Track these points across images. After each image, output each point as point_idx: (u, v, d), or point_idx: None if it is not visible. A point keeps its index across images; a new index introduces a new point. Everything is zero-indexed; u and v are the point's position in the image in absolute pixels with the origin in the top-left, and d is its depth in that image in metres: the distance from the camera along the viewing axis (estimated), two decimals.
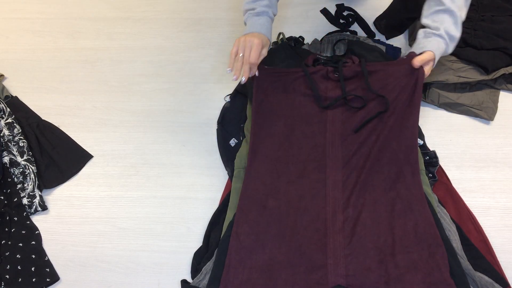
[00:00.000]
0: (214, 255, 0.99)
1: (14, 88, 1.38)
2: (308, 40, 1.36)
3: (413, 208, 0.97)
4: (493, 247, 0.99)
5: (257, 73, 1.08)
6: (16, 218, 1.12)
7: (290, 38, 1.34)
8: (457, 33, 1.04)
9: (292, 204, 1.00)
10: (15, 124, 1.24)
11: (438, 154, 1.10)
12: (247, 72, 1.01)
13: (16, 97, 1.34)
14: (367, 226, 0.95)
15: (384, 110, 1.04)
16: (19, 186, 1.16)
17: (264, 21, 1.07)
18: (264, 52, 1.05)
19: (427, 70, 1.04)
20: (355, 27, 1.39)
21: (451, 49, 1.06)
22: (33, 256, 1.07)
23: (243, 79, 1.01)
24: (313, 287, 0.91)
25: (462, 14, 1.04)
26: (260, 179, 1.03)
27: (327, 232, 0.96)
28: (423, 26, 1.08)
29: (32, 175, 1.16)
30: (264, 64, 1.12)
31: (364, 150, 1.02)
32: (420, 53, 1.04)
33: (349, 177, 1.00)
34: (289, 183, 1.02)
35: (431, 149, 1.13)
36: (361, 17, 1.36)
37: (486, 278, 0.91)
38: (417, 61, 1.03)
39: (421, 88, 1.03)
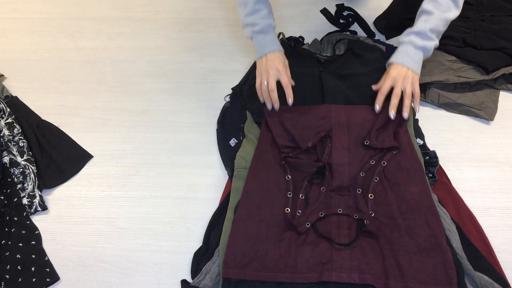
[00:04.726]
0: (214, 255, 0.99)
1: (14, 88, 1.38)
2: (308, 40, 1.36)
3: (412, 175, 1.00)
4: (493, 247, 0.99)
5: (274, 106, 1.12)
6: (16, 218, 1.12)
7: (290, 38, 1.34)
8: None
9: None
10: (15, 124, 1.24)
11: (438, 154, 1.10)
12: (275, 98, 1.10)
13: (16, 97, 1.34)
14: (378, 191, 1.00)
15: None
16: (19, 186, 1.16)
17: (271, 37, 1.13)
18: (286, 63, 1.13)
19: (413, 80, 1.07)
20: (355, 27, 1.39)
21: (430, 46, 1.07)
22: (33, 256, 1.07)
23: (276, 106, 1.10)
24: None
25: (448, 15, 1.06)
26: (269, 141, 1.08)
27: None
28: None
29: (32, 175, 1.16)
30: None
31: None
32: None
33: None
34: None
35: (431, 149, 1.13)
36: (361, 17, 1.37)
37: (486, 278, 0.90)
38: (379, 100, 1.08)
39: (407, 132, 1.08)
